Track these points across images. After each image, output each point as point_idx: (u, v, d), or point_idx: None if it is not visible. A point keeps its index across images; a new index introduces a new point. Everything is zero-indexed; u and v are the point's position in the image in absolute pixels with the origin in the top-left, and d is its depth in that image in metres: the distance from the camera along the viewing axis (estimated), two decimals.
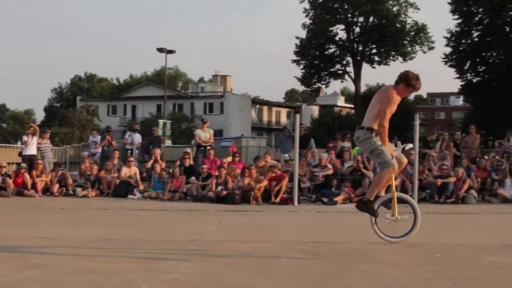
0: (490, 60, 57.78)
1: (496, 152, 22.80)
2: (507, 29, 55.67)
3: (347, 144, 22.19)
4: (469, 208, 16.40)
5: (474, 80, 58.80)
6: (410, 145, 9.96)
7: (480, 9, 55.94)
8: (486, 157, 20.60)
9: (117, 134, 44.19)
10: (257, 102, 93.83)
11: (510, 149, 21.53)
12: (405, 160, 8.99)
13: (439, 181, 18.32)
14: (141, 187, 19.47)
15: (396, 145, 9.36)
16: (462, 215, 14.83)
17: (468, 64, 58.21)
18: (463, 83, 59.29)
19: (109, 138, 23.34)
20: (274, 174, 18.30)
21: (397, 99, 8.39)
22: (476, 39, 57.18)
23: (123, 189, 19.32)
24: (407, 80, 8.31)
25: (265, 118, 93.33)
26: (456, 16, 57.55)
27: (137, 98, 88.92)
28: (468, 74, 58.88)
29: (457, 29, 57.83)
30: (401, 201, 8.98)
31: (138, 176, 19.88)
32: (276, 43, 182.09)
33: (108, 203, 17.09)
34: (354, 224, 12.86)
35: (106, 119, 77.22)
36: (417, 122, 17.84)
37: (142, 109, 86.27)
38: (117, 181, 19.62)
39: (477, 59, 57.49)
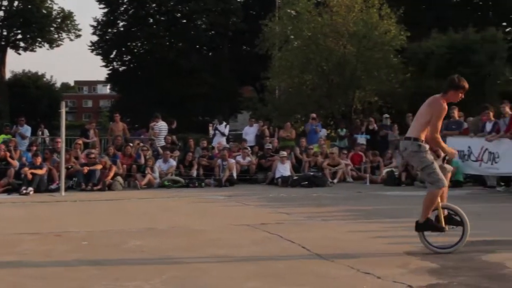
0: (135, 50, 59.42)
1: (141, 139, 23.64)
2: (151, 20, 57.71)
3: None
4: (115, 195, 16.75)
5: (120, 69, 60.03)
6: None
7: (125, 0, 57.19)
8: (131, 144, 21.18)
9: None
10: None
11: (154, 136, 22.43)
12: (450, 169, 8.69)
13: (86, 169, 18.41)
14: None
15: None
16: (109, 202, 15.09)
17: (114, 53, 59.19)
18: (109, 71, 60.19)
19: None
20: None
21: (446, 109, 8.25)
22: (122, 29, 58.37)
23: None
24: (454, 85, 8.17)
25: None
26: (102, 5, 58.13)
27: None
28: (114, 63, 59.90)
29: (104, 18, 58.46)
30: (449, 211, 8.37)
31: None
32: None
33: None
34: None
35: None
36: (63, 110, 17.73)
37: None
38: None
39: (123, 48, 58.73)
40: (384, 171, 19.80)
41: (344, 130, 24.40)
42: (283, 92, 35.97)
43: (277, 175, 19.61)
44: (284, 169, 19.66)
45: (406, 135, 8.37)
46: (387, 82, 32.12)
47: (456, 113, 19.28)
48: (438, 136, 8.09)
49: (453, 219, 8.19)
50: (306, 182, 18.84)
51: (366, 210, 12.76)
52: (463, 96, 8.27)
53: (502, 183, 17.06)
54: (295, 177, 19.33)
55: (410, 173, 18.74)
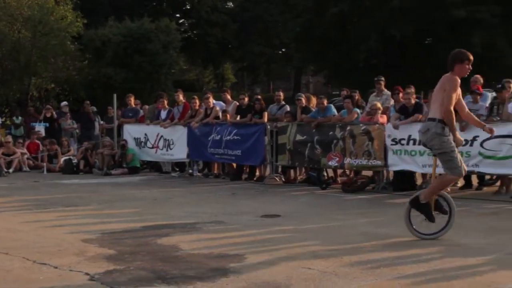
0: None
1: None
2: None
3: None
4: None
5: None
6: None
7: None
8: None
9: None
10: None
11: None
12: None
13: None
14: None
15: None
16: None
17: None
18: None
19: None
20: None
21: (459, 82, 7.76)
22: None
23: None
24: (458, 57, 7.74)
25: None
26: None
27: None
28: None
29: None
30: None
31: None
32: None
33: None
34: None
35: None
36: None
37: None
38: None
39: None
40: (62, 159, 19.53)
41: (20, 118, 23.54)
42: None
43: None
44: None
45: (430, 116, 8.01)
46: (64, 69, 31.87)
47: (132, 100, 19.67)
48: (452, 110, 7.69)
49: (442, 208, 8.03)
50: None
51: (43, 199, 12.48)
52: (471, 68, 7.95)
53: (177, 169, 17.81)
54: None
55: (88, 161, 18.72)
